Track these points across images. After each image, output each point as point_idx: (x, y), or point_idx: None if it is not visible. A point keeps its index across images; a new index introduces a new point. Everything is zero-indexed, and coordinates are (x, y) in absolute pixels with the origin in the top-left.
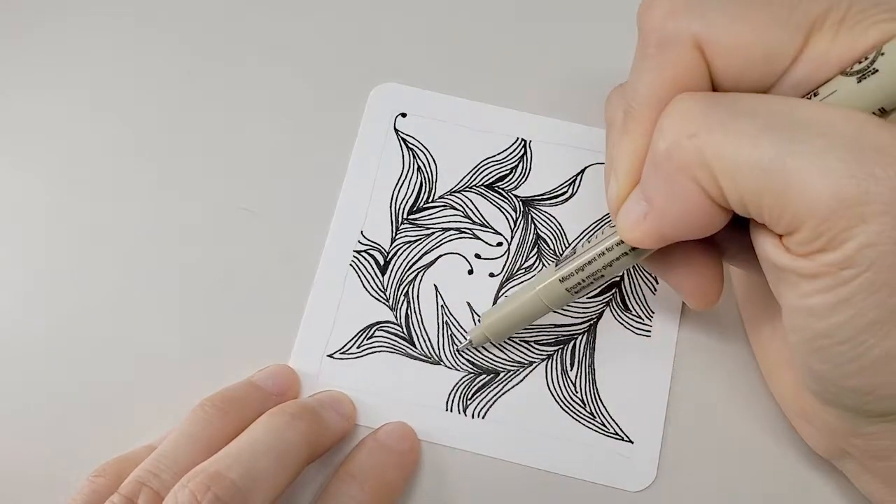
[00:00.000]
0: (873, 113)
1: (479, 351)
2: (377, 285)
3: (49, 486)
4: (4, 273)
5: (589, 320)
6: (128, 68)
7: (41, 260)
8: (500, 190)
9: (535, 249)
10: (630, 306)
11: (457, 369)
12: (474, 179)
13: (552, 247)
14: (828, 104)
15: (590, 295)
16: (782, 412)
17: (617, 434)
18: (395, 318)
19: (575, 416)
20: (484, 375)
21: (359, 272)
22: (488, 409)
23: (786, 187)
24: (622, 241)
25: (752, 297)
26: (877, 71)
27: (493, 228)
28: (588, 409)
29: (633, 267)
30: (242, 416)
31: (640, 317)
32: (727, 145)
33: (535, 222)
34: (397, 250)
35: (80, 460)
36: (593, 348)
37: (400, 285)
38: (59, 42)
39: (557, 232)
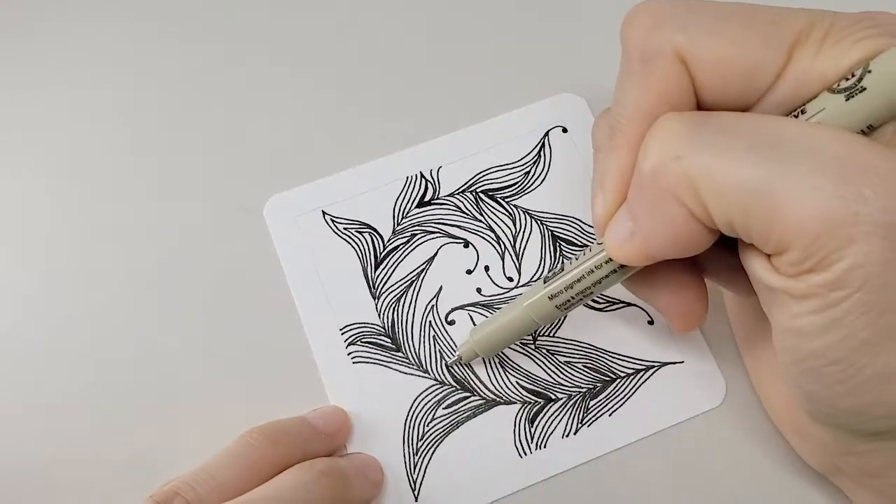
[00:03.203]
0: (861, 131)
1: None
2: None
3: (49, 486)
4: (4, 273)
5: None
6: (128, 68)
7: (41, 260)
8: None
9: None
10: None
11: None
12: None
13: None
14: (815, 123)
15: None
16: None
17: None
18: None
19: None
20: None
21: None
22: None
23: (774, 208)
24: (610, 259)
25: (742, 311)
26: (864, 89)
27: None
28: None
29: None
30: (289, 449)
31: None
32: (714, 166)
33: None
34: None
35: (81, 460)
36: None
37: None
38: (60, 42)
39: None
